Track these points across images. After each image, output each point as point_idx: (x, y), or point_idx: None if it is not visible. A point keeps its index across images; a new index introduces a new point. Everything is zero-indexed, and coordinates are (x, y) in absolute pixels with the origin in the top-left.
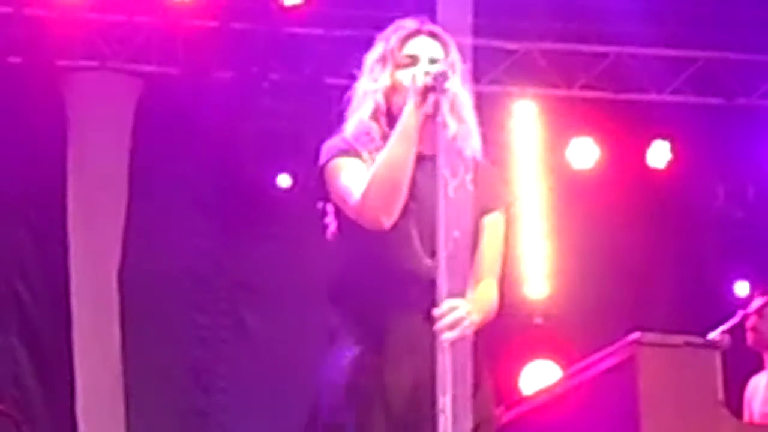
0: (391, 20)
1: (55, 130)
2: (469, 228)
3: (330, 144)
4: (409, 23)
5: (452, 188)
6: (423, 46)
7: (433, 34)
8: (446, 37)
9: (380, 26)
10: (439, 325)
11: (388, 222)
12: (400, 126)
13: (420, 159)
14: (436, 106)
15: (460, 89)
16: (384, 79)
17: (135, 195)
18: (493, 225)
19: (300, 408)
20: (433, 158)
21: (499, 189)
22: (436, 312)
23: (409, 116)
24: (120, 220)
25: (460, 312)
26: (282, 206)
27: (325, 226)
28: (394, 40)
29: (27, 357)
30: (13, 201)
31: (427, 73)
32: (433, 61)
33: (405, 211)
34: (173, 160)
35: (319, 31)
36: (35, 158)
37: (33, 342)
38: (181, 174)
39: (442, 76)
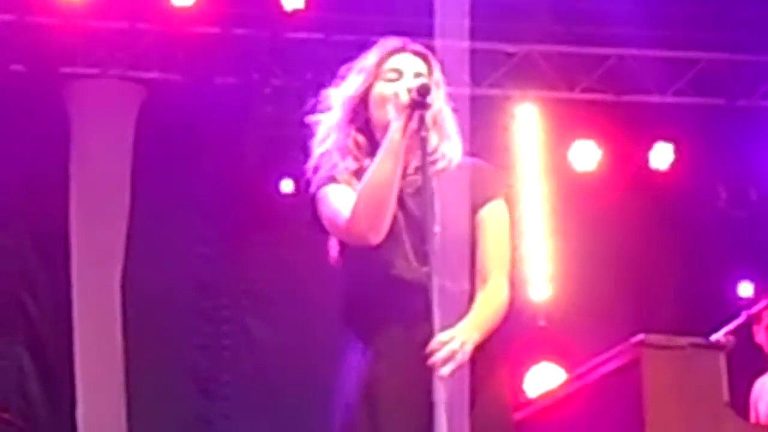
0: (391, 24)
1: (58, 137)
2: (458, 224)
3: (319, 174)
4: (393, 41)
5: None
6: (408, 62)
7: (417, 53)
8: (430, 56)
9: (381, 31)
10: (433, 359)
11: (376, 239)
12: (386, 143)
13: (406, 174)
14: (421, 120)
15: (443, 105)
16: (361, 88)
17: (137, 202)
18: (492, 215)
19: (303, 414)
20: (418, 171)
21: (492, 179)
22: (428, 349)
23: (394, 133)
24: (122, 228)
25: (453, 345)
26: (285, 212)
27: (327, 253)
28: (377, 53)
29: (32, 365)
30: (17, 210)
31: (410, 89)
32: (417, 76)
33: (397, 226)
34: (176, 167)
35: (320, 36)
36: (38, 166)
37: (38, 350)
38: (183, 180)
39: (425, 89)
